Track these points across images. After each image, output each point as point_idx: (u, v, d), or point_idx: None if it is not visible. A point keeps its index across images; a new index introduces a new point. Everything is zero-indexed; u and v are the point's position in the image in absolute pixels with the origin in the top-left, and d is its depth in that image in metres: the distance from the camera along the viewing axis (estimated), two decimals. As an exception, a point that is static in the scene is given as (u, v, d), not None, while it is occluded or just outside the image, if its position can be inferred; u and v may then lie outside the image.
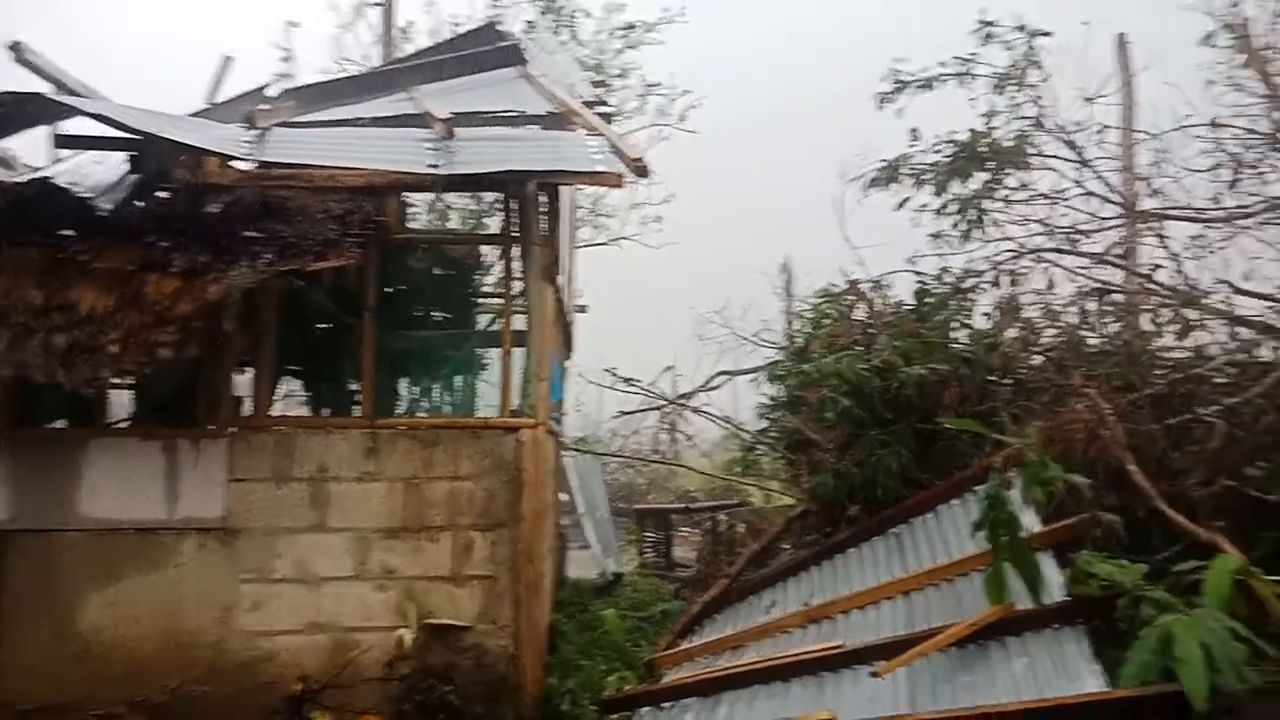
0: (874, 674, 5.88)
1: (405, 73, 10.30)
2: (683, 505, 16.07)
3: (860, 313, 9.82)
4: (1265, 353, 8.78)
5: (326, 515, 7.15)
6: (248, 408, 7.63)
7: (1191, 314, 8.93)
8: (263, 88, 10.66)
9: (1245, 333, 8.81)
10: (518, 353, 7.85)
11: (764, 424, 10.70)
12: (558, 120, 8.34)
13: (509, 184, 7.67)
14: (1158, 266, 9.49)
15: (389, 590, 7.14)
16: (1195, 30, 9.39)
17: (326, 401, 8.97)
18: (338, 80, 11.48)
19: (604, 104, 10.79)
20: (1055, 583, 6.07)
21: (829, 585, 7.91)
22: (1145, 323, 9.29)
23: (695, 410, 15.82)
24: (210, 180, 7.11)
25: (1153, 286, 9.46)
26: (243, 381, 7.79)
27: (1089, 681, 5.19)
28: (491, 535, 7.21)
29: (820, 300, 10.10)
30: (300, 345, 8.41)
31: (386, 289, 8.22)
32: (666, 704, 6.83)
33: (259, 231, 6.77)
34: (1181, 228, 9.40)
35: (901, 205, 9.86)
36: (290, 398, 9.29)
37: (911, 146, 9.81)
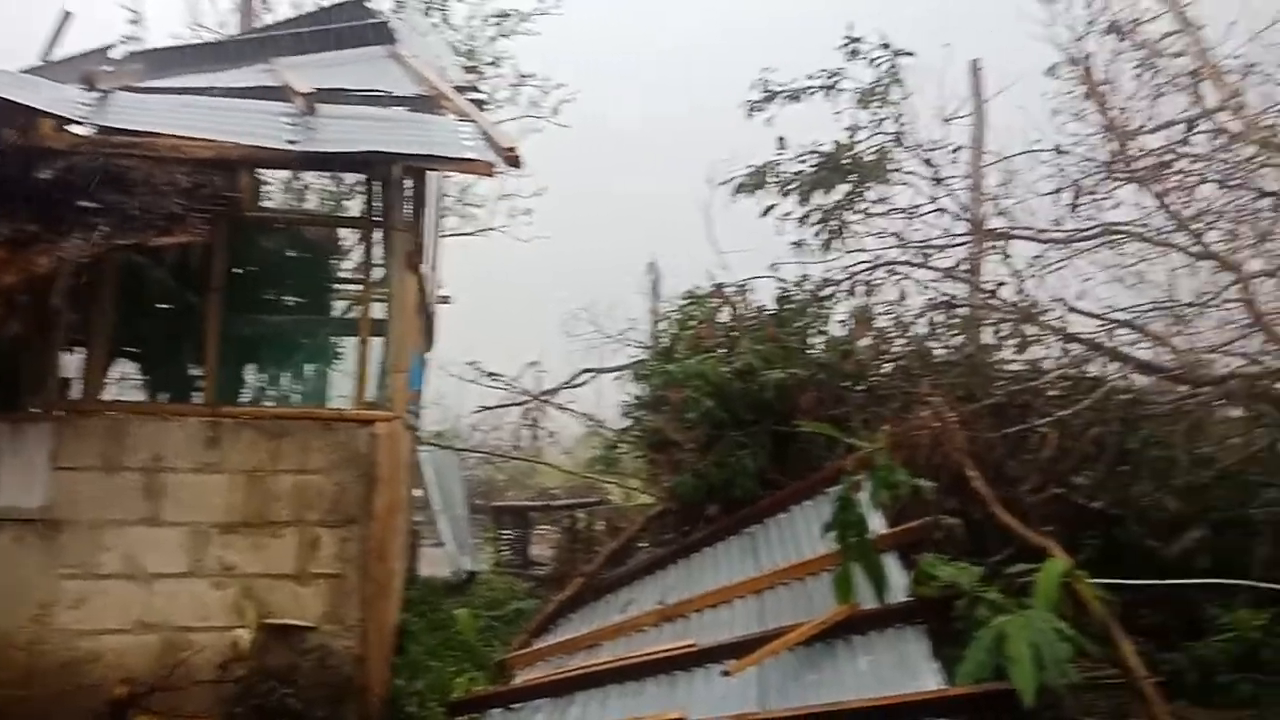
0: (725, 673, 5.94)
1: (265, 43, 9.82)
2: (542, 503, 15.96)
3: (724, 316, 9.96)
4: (1094, 369, 9.39)
5: (160, 508, 6.72)
6: (77, 390, 7.09)
7: (1029, 330, 9.46)
8: (106, 48, 9.93)
9: (1077, 349, 9.38)
10: (375, 342, 7.57)
11: (627, 423, 10.73)
12: (427, 103, 8.09)
13: (373, 165, 7.39)
14: (1001, 283, 10.00)
15: (227, 588, 6.77)
16: (1044, 61, 9.98)
17: (165, 387, 8.44)
18: (190, 46, 10.85)
19: (476, 91, 10.57)
20: (899, 583, 6.28)
21: (684, 584, 7.98)
22: (987, 336, 9.78)
23: (558, 407, 15.77)
24: (43, 144, 6.54)
25: (995, 302, 9.95)
26: (73, 362, 7.23)
27: (928, 679, 5.38)
28: (341, 532, 6.92)
29: (686, 302, 10.20)
30: (139, 325, 7.89)
31: (236, 269, 7.79)
32: (517, 705, 6.72)
33: (96, 202, 6.30)
34: (1024, 247, 9.95)
35: (767, 212, 10.06)
36: (126, 381, 8.69)
37: (778, 155, 10.04)
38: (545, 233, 17.35)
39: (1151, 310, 9.85)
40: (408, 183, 7.52)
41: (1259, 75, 9.41)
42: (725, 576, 7.71)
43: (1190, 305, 9.68)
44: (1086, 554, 8.10)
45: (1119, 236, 9.65)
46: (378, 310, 7.69)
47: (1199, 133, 9.64)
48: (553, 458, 16.90)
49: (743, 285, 10.16)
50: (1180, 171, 9.36)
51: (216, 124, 7.11)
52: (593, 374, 15.49)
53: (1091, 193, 9.58)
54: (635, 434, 10.33)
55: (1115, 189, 9.61)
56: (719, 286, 9.94)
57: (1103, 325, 9.41)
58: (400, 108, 8.10)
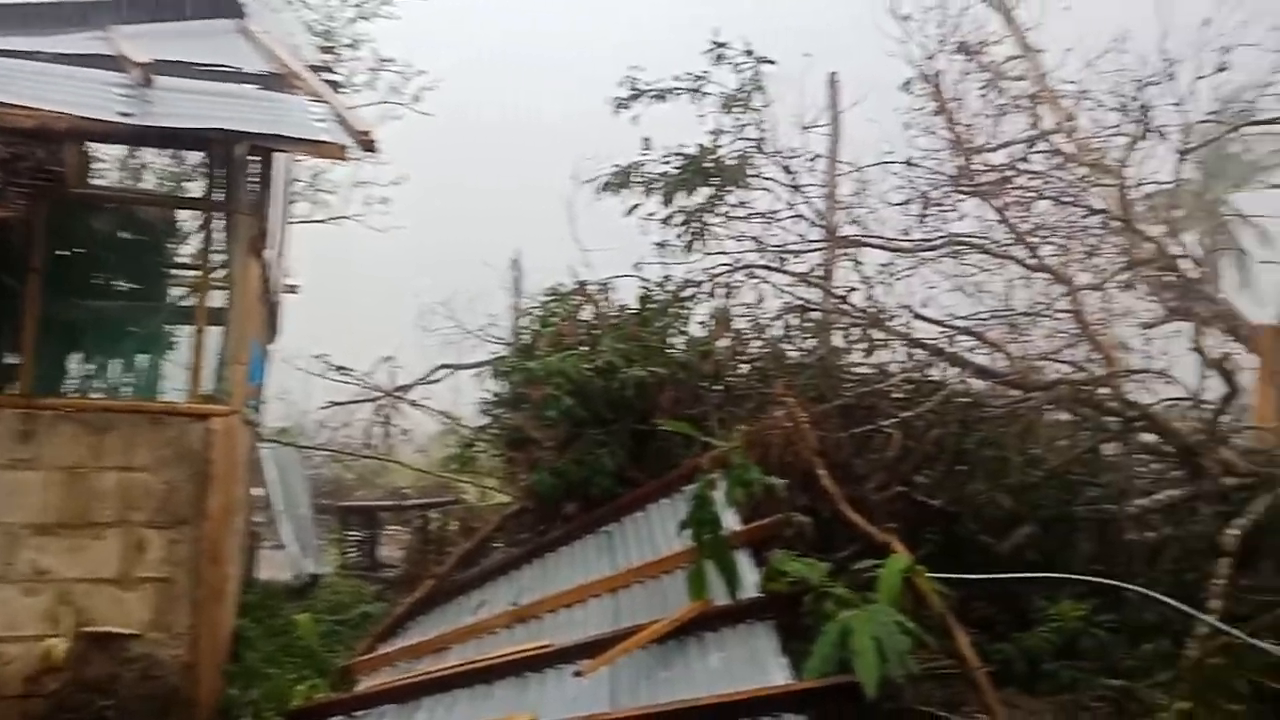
0: (578, 673, 5.87)
1: (99, 8, 9.10)
2: (393, 503, 15.48)
3: (587, 314, 9.91)
4: (936, 373, 9.81)
5: (-37, 507, 6.13)
6: None
7: (877, 334, 9.80)
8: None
9: (920, 354, 9.78)
10: (213, 332, 7.14)
11: (485, 420, 10.51)
12: (278, 81, 7.70)
13: (216, 144, 6.98)
14: (852, 289, 10.33)
15: (40, 594, 6.25)
16: (898, 76, 10.38)
17: (-26, 375, 7.72)
18: (15, 5, 9.95)
19: (331, 72, 10.15)
20: (751, 580, 6.37)
21: (539, 584, 7.88)
22: (838, 340, 10.08)
23: (413, 404, 15.34)
24: None
25: (846, 307, 10.27)
26: None
27: (776, 674, 5.47)
28: (170, 533, 6.49)
29: (548, 299, 10.08)
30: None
31: (60, 250, 7.22)
32: (359, 712, 6.47)
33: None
34: (874, 255, 10.32)
35: (630, 212, 10.07)
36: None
37: (643, 155, 10.06)
38: (403, 223, 16.89)
39: (990, 318, 10.38)
40: (253, 163, 7.12)
41: (1091, 101, 10.07)
42: (581, 575, 7.65)
43: (1024, 314, 10.25)
44: (927, 550, 8.43)
45: (962, 247, 10.12)
46: (217, 298, 7.26)
47: (1036, 152, 10.23)
48: (406, 456, 16.42)
49: (606, 283, 10.14)
50: (1019, 188, 9.91)
51: (41, 91, 6.54)
52: (450, 370, 15.12)
53: (938, 205, 10.02)
54: (493, 432, 10.13)
55: (960, 202, 10.08)
56: (582, 284, 9.87)
57: (945, 332, 9.85)
58: (247, 85, 7.68)
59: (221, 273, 7.21)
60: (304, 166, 14.45)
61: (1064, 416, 10.09)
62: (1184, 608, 7.61)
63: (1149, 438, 9.49)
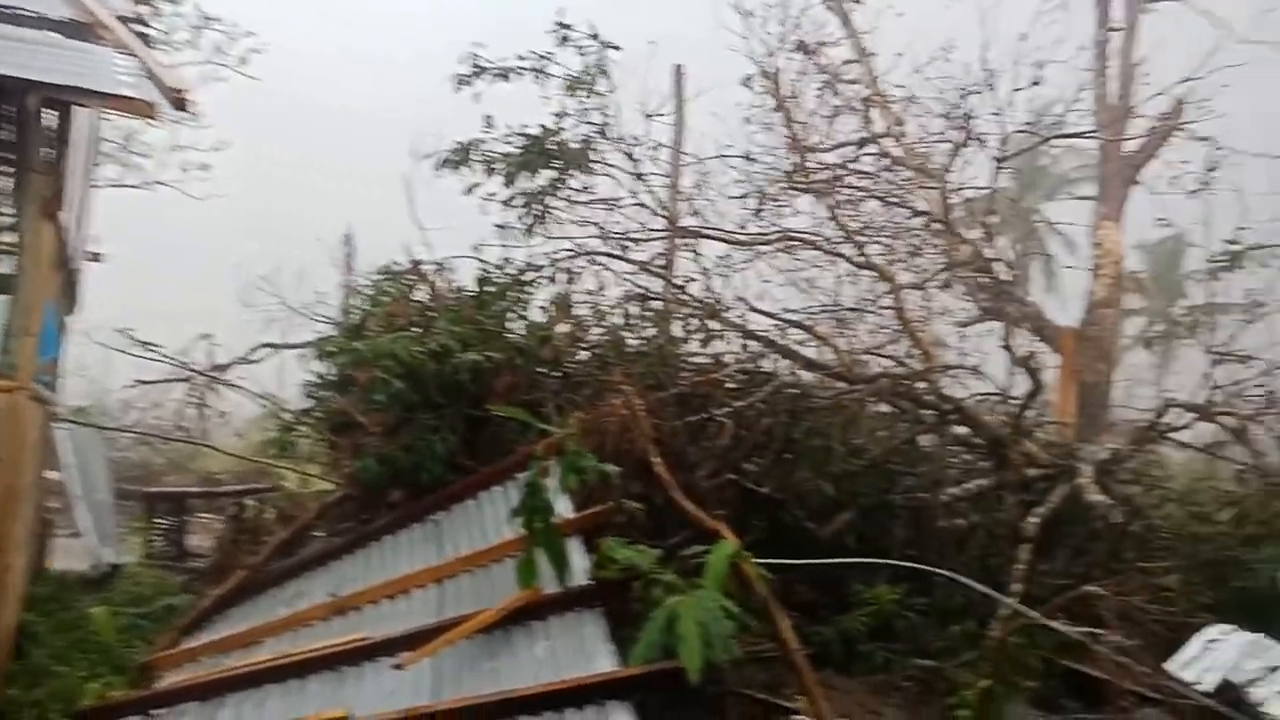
0: (396, 666, 5.67)
1: None
2: (205, 489, 14.55)
3: (421, 294, 9.59)
4: (768, 364, 10.05)
5: None
6: None
7: (713, 325, 9.95)
8: None
9: (754, 345, 9.99)
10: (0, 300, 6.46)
11: (309, 403, 10.00)
12: (81, 30, 7.00)
13: (6, 93, 6.29)
14: (690, 279, 10.44)
15: None
16: (740, 72, 10.52)
17: None
18: None
19: (145, 25, 9.39)
20: (581, 567, 6.32)
21: (360, 574, 7.58)
22: (676, 329, 10.17)
23: (229, 384, 14.49)
24: None
25: (685, 297, 10.38)
26: None
27: (603, 662, 5.45)
28: (-59, 520, 5.84)
29: (381, 277, 9.68)
30: None
31: None
32: (158, 710, 6.04)
33: None
34: (713, 246, 10.44)
35: (470, 191, 9.80)
36: None
37: (484, 134, 9.81)
38: (226, 192, 15.89)
39: (819, 313, 10.70)
40: (50, 117, 6.48)
41: (918, 107, 10.52)
42: (405, 565, 7.40)
43: (851, 310, 10.62)
44: (754, 536, 8.62)
45: (795, 243, 10.39)
46: (4, 263, 6.57)
47: (867, 154, 10.61)
48: (223, 440, 15.48)
49: (442, 264, 9.84)
50: (849, 187, 10.25)
51: None
52: (273, 349, 14.34)
53: (774, 200, 10.23)
54: (316, 416, 9.65)
55: (794, 198, 10.33)
56: (416, 263, 9.54)
57: (777, 324, 10.09)
58: (46, 31, 6.97)
59: (10, 235, 6.52)
60: (115, 126, 13.36)
61: (885, 408, 10.55)
62: (988, 591, 8.09)
63: (961, 430, 10.05)
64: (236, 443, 15.34)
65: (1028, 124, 10.37)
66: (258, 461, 13.71)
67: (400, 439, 8.39)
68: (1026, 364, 9.16)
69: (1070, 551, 9.00)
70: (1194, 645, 7.13)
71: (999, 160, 9.58)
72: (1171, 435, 9.98)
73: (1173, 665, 6.94)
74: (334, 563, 7.83)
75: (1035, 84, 9.30)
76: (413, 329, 8.78)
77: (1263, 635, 7.13)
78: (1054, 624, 7.49)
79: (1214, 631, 7.19)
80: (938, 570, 8.43)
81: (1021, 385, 9.59)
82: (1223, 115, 12.34)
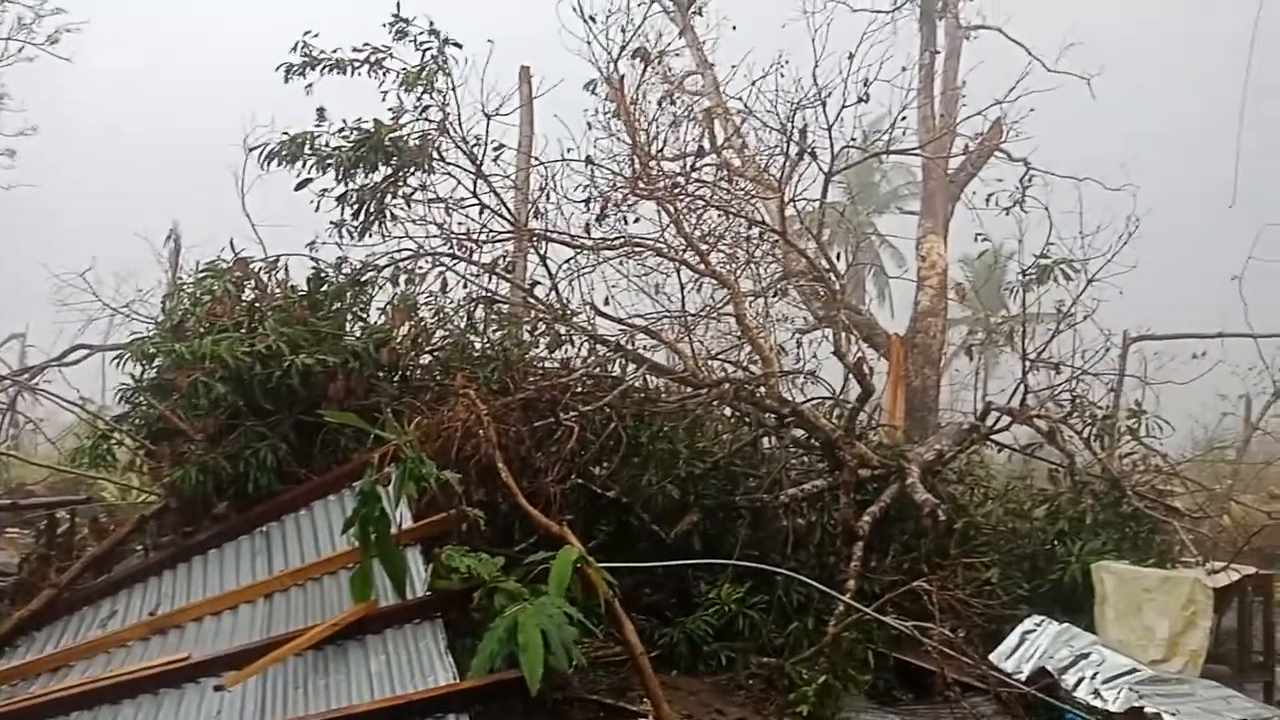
0: (219, 687, 5.33)
1: None
2: (9, 501, 13.32)
3: (249, 293, 9.07)
4: (615, 369, 10.06)
5: None
6: None
7: (561, 329, 9.87)
8: None
9: (601, 350, 9.98)
10: None
11: (126, 408, 9.29)
12: None
13: None
14: (536, 283, 10.32)
15: None
16: (583, 75, 10.48)
17: None
18: None
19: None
20: (420, 578, 6.13)
21: (182, 591, 7.17)
22: (523, 333, 10.04)
23: (35, 391, 13.40)
24: None
25: (532, 301, 10.26)
26: None
27: (442, 675, 5.29)
28: None
29: (204, 274, 9.09)
30: None
31: None
32: (-55, 749, 5.46)
33: None
34: (559, 250, 10.36)
35: (302, 186, 9.33)
36: None
37: (318, 126, 9.38)
38: (36, 180, 14.68)
39: (665, 318, 10.80)
40: None
41: (756, 120, 10.77)
42: (231, 580, 7.04)
43: (695, 316, 10.76)
44: (600, 540, 8.64)
45: (640, 249, 10.44)
46: None
47: (707, 164, 10.78)
48: (38, 448, 14.25)
49: (274, 261, 9.34)
50: (691, 196, 10.38)
51: None
52: (89, 351, 13.30)
53: (618, 206, 10.24)
54: (134, 422, 8.98)
55: (637, 205, 10.38)
56: (243, 260, 9.01)
57: (624, 329, 10.11)
58: None
59: None
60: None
61: (728, 412, 10.76)
62: (823, 588, 8.37)
63: (799, 433, 10.34)
64: (48, 452, 14.13)
65: (855, 140, 10.77)
66: (73, 472, 12.66)
67: (225, 446, 7.93)
68: (858, 370, 9.53)
69: (900, 548, 9.40)
70: (1013, 636, 7.56)
71: (829, 174, 9.92)
72: (991, 437, 10.59)
73: (995, 655, 7.33)
74: (153, 579, 7.38)
75: (862, 101, 9.66)
76: (239, 330, 8.31)
77: (1070, 625, 7.65)
78: (886, 618, 7.80)
79: (1030, 622, 7.65)
80: (778, 569, 8.66)
81: (854, 390, 9.96)
82: (1032, 137, 13.28)
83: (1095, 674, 6.65)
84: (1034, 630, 7.51)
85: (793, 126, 9.70)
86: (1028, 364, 10.20)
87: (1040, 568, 9.12)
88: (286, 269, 9.53)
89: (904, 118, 11.92)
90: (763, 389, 9.90)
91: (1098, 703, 6.39)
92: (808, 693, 7.42)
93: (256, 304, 8.83)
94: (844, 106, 9.58)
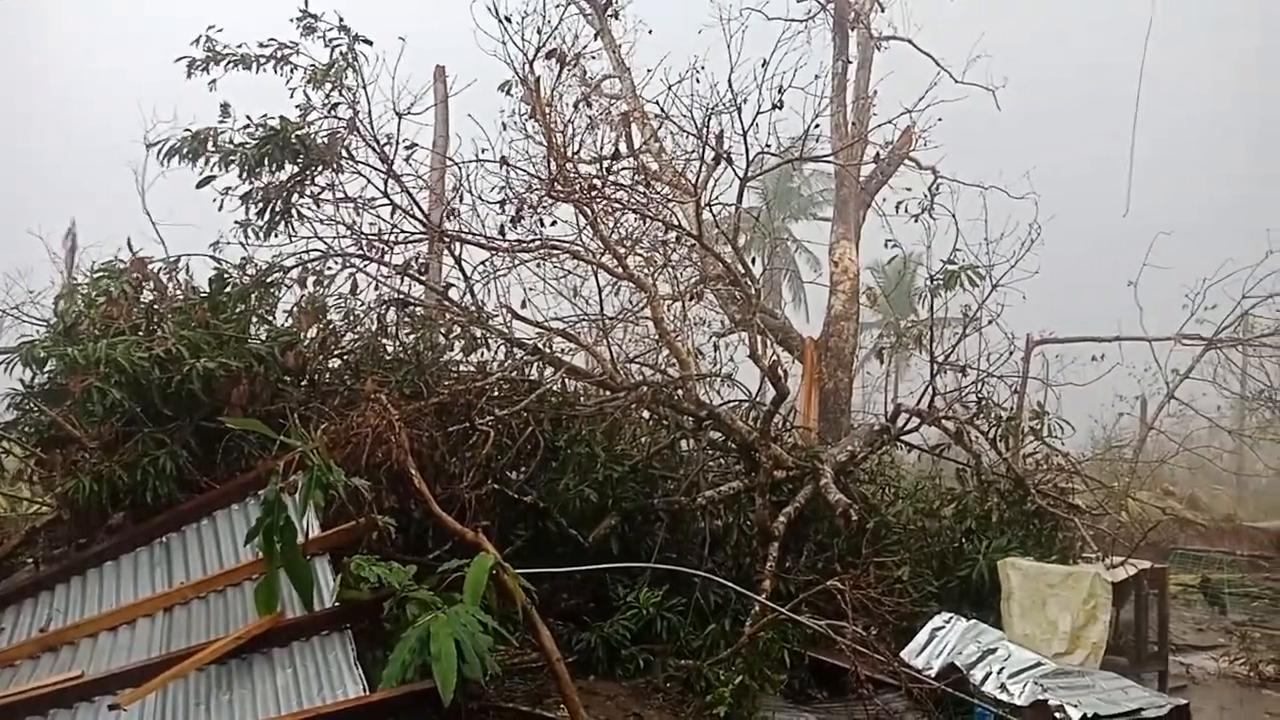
0: (114, 706, 5.08)
1: None
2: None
3: (148, 294, 8.71)
4: (533, 373, 9.96)
5: None
6: None
7: (477, 332, 9.74)
8: None
9: (518, 353, 9.87)
10: None
11: (15, 415, 8.82)
12: None
13: None
14: (451, 285, 10.16)
15: None
16: (497, 75, 10.35)
17: None
18: None
19: None
20: (329, 588, 5.96)
21: (75, 606, 6.83)
22: (437, 336, 9.87)
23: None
24: None
25: (446, 304, 10.09)
26: None
27: (351, 687, 5.14)
28: None
29: (100, 275, 8.69)
30: None
31: None
32: None
33: None
34: (474, 252, 10.21)
35: (204, 184, 8.99)
36: None
37: (221, 123, 9.06)
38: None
39: (582, 321, 10.75)
40: None
41: (673, 125, 10.79)
42: (129, 594, 6.72)
43: (613, 319, 10.74)
44: (517, 545, 8.55)
45: (557, 252, 10.36)
46: None
47: (625, 167, 10.76)
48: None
49: (174, 261, 8.99)
50: (608, 199, 10.34)
51: None
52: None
53: (534, 208, 10.15)
54: (25, 429, 8.53)
55: (554, 207, 10.30)
56: (141, 260, 8.64)
57: (541, 332, 10.01)
58: None
59: None
60: None
61: (646, 415, 10.76)
62: (740, 589, 8.42)
63: (716, 435, 10.40)
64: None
65: (770, 147, 10.86)
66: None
67: (121, 455, 7.59)
68: (773, 373, 9.62)
69: (814, 548, 9.53)
70: (923, 633, 7.72)
71: (745, 179, 10.00)
72: (902, 438, 10.82)
73: (906, 652, 7.47)
74: (44, 593, 7.02)
75: (777, 107, 9.75)
76: (136, 332, 7.97)
77: (978, 621, 7.86)
78: (801, 618, 7.89)
79: (939, 619, 7.82)
80: (696, 571, 8.68)
81: (770, 393, 10.05)
82: (940, 146, 13.64)
83: (1002, 669, 6.83)
84: (943, 627, 7.68)
85: (708, 131, 9.72)
86: (936, 367, 10.46)
87: (949, 565, 9.34)
88: (188, 270, 9.23)
89: (817, 125, 12.10)
90: (680, 392, 9.93)
91: (1004, 696, 6.56)
92: (724, 694, 7.45)
93: (155, 306, 8.49)
94: (759, 113, 9.64)
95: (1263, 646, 11.21)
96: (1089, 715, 5.96)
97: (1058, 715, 6.18)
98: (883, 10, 16.73)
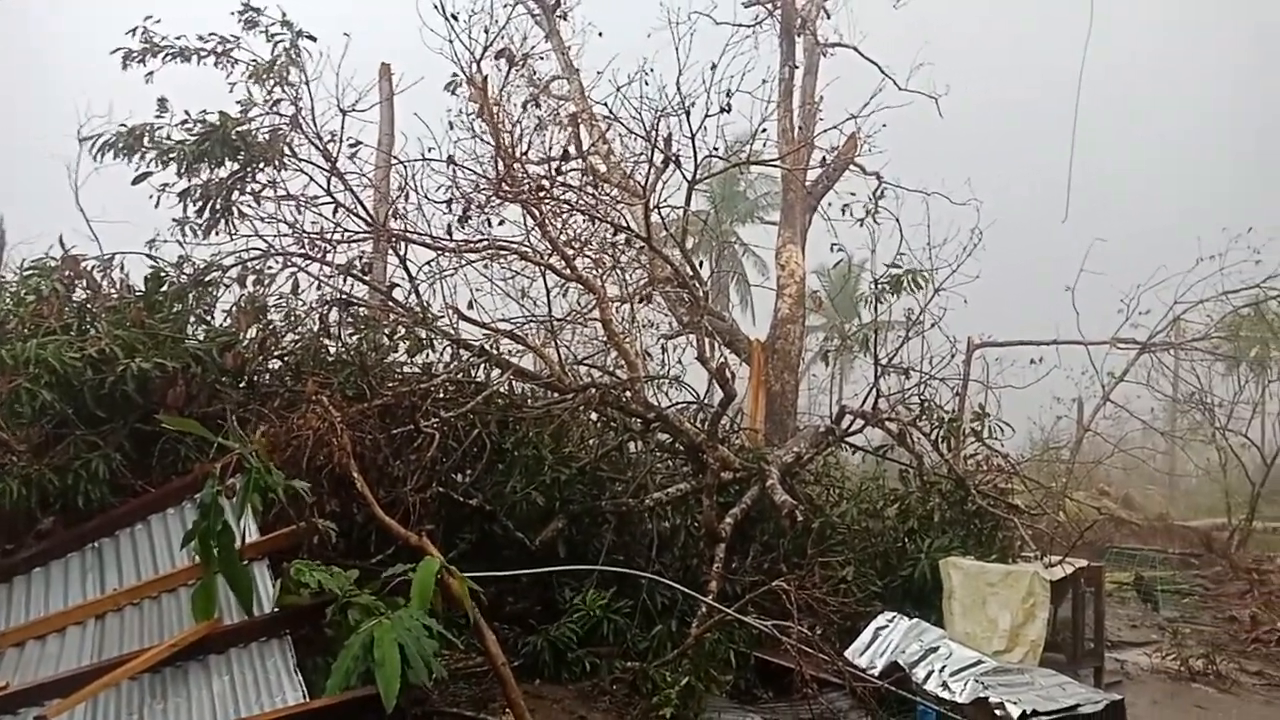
0: (40, 718, 4.91)
1: None
2: None
3: (80, 293, 8.45)
4: (480, 374, 9.86)
5: None
6: None
7: (422, 333, 9.61)
8: None
9: (465, 355, 9.77)
10: None
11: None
12: None
13: None
14: (395, 285, 10.02)
15: None
16: (444, 73, 10.25)
17: None
18: None
19: None
20: (268, 594, 5.83)
21: (1, 614, 6.55)
22: (381, 337, 9.72)
23: None
24: None
25: (390, 304, 9.95)
26: None
27: (290, 694, 5.03)
28: None
29: (30, 273, 8.41)
30: None
31: None
32: None
33: None
34: (420, 252, 10.07)
35: (139, 180, 8.75)
36: None
37: (159, 118, 8.83)
38: None
39: (530, 323, 10.67)
40: None
41: (622, 127, 10.77)
42: (59, 601, 6.50)
43: (561, 321, 10.68)
44: (463, 549, 8.46)
45: (504, 252, 10.27)
46: None
47: (573, 169, 10.70)
48: None
49: (108, 259, 8.73)
50: (556, 200, 10.29)
51: None
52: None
53: (481, 208, 10.05)
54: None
55: (502, 207, 10.21)
56: (73, 257, 8.38)
57: (488, 334, 9.92)
58: None
59: None
60: None
61: (594, 417, 10.72)
62: (687, 590, 8.43)
63: (664, 437, 10.40)
64: None
65: (718, 150, 10.88)
66: None
67: (52, 458, 7.35)
68: (720, 375, 9.66)
69: (760, 548, 9.58)
70: (867, 632, 7.80)
71: (693, 182, 10.02)
72: (846, 439, 10.93)
73: (850, 651, 7.54)
74: (-34, 603, 6.70)
75: (725, 111, 9.78)
76: (67, 332, 7.72)
77: (920, 620, 7.96)
78: (746, 619, 7.92)
79: (883, 618, 7.91)
80: (643, 573, 8.67)
81: (717, 395, 10.08)
82: (884, 152, 13.84)
83: (944, 667, 6.92)
84: (886, 626, 7.77)
85: (657, 134, 9.72)
86: (879, 369, 10.58)
87: (892, 565, 9.45)
88: (123, 268, 8.97)
89: (764, 130, 12.18)
90: (629, 394, 9.91)
91: (946, 694, 6.64)
92: (670, 695, 7.45)
93: (88, 305, 8.23)
94: (707, 116, 9.67)
95: (1192, 642, 11.55)
96: (1028, 712, 6.06)
97: (998, 713, 6.27)
98: (828, 17, 16.91)
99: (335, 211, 9.59)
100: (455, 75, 10.06)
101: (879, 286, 10.70)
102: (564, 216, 10.53)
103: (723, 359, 11.68)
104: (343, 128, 9.36)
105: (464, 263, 10.19)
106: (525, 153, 10.07)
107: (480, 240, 10.14)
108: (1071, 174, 15.67)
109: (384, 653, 4.98)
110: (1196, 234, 17.25)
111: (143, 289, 8.50)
